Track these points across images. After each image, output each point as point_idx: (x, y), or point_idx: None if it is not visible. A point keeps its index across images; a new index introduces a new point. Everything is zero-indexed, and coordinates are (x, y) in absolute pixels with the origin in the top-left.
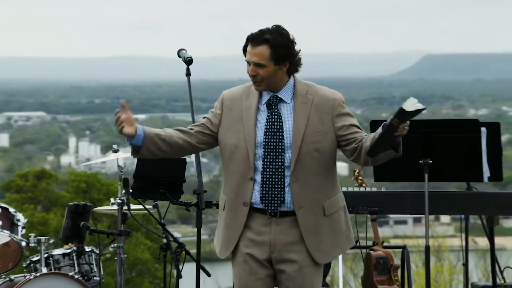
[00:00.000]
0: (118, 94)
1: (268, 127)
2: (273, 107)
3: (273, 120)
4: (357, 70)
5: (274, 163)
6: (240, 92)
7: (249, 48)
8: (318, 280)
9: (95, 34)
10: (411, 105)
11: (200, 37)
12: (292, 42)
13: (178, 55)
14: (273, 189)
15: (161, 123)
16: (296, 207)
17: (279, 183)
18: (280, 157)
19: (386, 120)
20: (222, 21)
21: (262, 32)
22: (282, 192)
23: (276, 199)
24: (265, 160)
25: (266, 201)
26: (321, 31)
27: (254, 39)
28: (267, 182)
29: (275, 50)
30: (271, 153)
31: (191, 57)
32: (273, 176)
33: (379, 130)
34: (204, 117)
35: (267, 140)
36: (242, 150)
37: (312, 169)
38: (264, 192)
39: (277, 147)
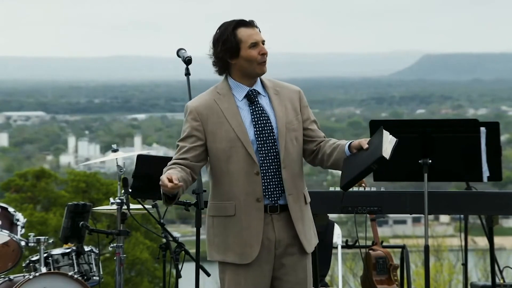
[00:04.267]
0: (117, 94)
1: (256, 120)
2: (255, 100)
3: (259, 112)
4: (356, 70)
5: (269, 154)
6: (208, 98)
7: (249, 30)
8: (310, 268)
9: (94, 33)
10: (389, 147)
11: (199, 36)
12: None
13: (178, 55)
14: (273, 179)
15: (161, 123)
16: (286, 194)
17: (277, 172)
18: (273, 147)
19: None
20: (221, 21)
21: (246, 19)
22: (281, 182)
23: (277, 189)
24: (262, 153)
25: (269, 192)
26: (319, 31)
27: (251, 22)
28: (267, 175)
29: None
30: (265, 145)
31: (191, 57)
32: (271, 167)
33: (344, 155)
34: (184, 138)
35: (258, 133)
36: (239, 149)
37: (294, 157)
38: (266, 184)
39: (269, 137)
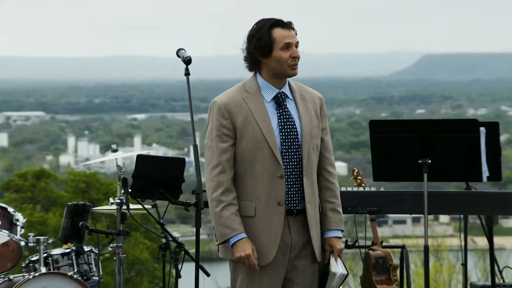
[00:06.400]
0: (117, 94)
1: (282, 124)
2: (283, 103)
3: (286, 116)
4: (356, 70)
5: (292, 160)
6: (236, 95)
7: (285, 31)
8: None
9: (94, 33)
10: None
11: (199, 36)
12: None
13: (177, 55)
14: (294, 185)
15: (160, 123)
16: (306, 201)
17: (299, 179)
18: (297, 153)
19: None
20: (221, 20)
21: (284, 19)
22: (302, 188)
23: (297, 195)
24: (285, 157)
25: (289, 198)
26: (319, 31)
27: (288, 24)
28: (289, 180)
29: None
30: (289, 150)
31: (190, 57)
32: (293, 173)
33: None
34: (217, 137)
35: (283, 137)
36: (265, 150)
37: (314, 165)
38: (288, 189)
39: (294, 143)
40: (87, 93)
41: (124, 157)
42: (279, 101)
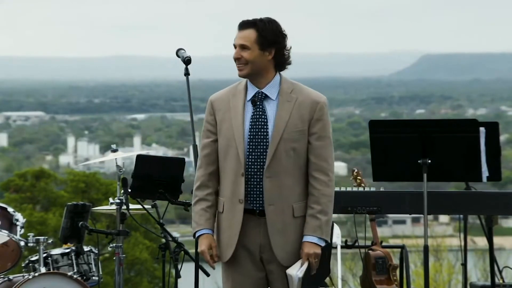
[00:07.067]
0: (117, 94)
1: (252, 123)
2: (258, 103)
3: (257, 116)
4: (356, 70)
5: (258, 160)
6: (227, 93)
7: (237, 32)
8: None
9: (94, 33)
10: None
11: (199, 36)
12: (281, 33)
13: (177, 55)
14: (257, 186)
15: (160, 123)
16: (266, 204)
17: (261, 180)
18: (264, 153)
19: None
20: (221, 20)
21: (253, 19)
22: (263, 190)
23: (260, 196)
24: (250, 156)
25: (251, 198)
26: (319, 31)
27: (243, 24)
28: (252, 179)
29: (261, 34)
30: (256, 150)
31: (190, 57)
32: (258, 173)
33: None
34: (203, 133)
35: (251, 136)
36: (233, 148)
37: (286, 168)
38: (249, 189)
39: (261, 143)
40: (87, 93)
41: (124, 157)
42: (254, 101)
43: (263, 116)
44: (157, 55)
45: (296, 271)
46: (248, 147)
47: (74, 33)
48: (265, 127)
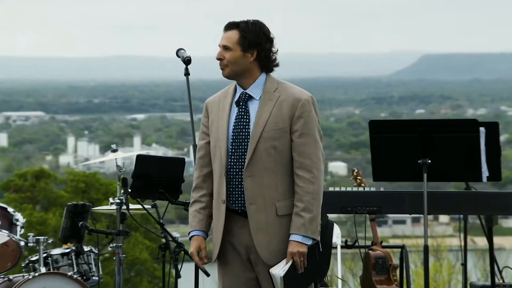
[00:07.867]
0: (117, 94)
1: (236, 124)
2: (241, 104)
3: (240, 117)
4: (356, 70)
5: (240, 160)
6: (220, 95)
7: (222, 33)
8: None
9: (94, 33)
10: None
11: (199, 36)
12: (265, 35)
13: (177, 55)
14: (239, 185)
15: (160, 123)
16: (247, 203)
17: (242, 180)
18: (245, 153)
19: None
20: (221, 20)
21: (239, 20)
22: (243, 189)
23: (242, 196)
24: (233, 157)
25: (233, 198)
26: (319, 31)
27: (228, 25)
28: (234, 179)
29: (243, 36)
30: (238, 150)
31: (190, 57)
32: (239, 173)
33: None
34: (200, 135)
35: (234, 137)
36: (218, 149)
37: (268, 166)
38: (231, 189)
39: (243, 143)
40: (87, 93)
41: (124, 157)
42: (238, 102)
43: (245, 117)
44: (157, 55)
45: (279, 270)
46: (230, 147)
47: (74, 33)
48: (247, 127)
